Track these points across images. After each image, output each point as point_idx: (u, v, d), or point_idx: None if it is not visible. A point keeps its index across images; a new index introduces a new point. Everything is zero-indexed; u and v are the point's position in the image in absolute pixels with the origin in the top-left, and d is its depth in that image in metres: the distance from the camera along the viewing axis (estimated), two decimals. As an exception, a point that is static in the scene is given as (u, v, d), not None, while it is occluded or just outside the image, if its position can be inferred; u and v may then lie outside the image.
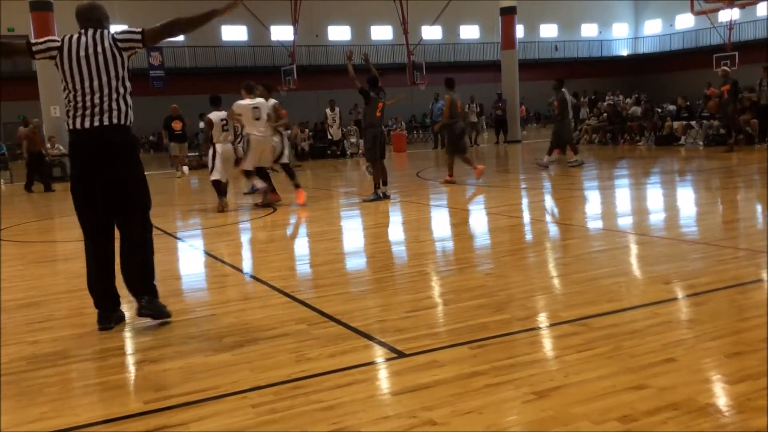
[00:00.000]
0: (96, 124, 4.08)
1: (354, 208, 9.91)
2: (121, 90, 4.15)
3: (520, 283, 4.85)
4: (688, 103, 16.89)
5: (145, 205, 4.34)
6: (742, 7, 27.19)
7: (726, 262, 5.12)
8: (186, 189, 15.03)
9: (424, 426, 2.65)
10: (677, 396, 2.76)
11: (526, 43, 40.82)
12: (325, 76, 37.41)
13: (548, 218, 8.30)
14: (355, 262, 6.21)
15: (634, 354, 3.26)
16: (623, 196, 10.03)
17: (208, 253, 6.78)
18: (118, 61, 4.14)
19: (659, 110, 18.91)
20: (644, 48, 48.39)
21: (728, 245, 5.71)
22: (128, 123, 4.19)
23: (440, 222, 8.49)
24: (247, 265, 6.29)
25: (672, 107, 20.88)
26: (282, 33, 32.79)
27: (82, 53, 4.10)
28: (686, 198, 9.51)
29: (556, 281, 4.96)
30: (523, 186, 11.70)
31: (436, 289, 4.93)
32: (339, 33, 41.33)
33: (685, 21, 43.12)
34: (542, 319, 3.99)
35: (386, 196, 10.19)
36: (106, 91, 4.10)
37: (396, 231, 7.93)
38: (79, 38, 4.15)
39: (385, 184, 10.43)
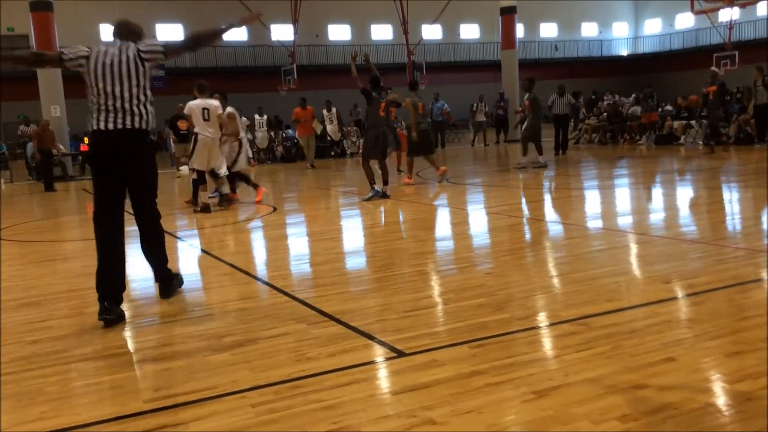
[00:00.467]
0: (119, 126, 4.43)
1: (354, 208, 9.90)
2: (142, 98, 4.50)
3: (519, 283, 4.85)
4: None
5: (152, 203, 4.75)
6: (742, 6, 27.17)
7: (725, 261, 5.12)
8: (186, 188, 15.01)
9: (423, 425, 2.65)
10: (677, 396, 2.76)
11: (526, 42, 40.82)
12: (326, 75, 37.42)
13: (548, 218, 8.30)
14: (355, 262, 6.21)
15: (633, 353, 3.26)
16: (623, 195, 10.02)
17: (207, 253, 6.78)
18: (141, 70, 4.50)
19: (659, 109, 18.92)
20: (644, 48, 48.39)
21: (728, 244, 5.71)
22: (147, 127, 4.53)
23: (440, 221, 8.49)
24: (246, 264, 6.29)
25: (669, 108, 20.90)
26: (282, 32, 32.78)
27: (108, 61, 4.47)
28: (686, 197, 9.51)
29: (555, 280, 4.96)
30: (523, 185, 11.70)
31: (436, 289, 4.93)
32: (339, 32, 41.33)
33: (685, 20, 43.12)
34: (542, 319, 3.99)
35: (386, 195, 10.19)
36: (127, 96, 4.44)
37: (396, 230, 7.93)
38: (108, 49, 4.55)
39: (386, 183, 10.43)
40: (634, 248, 6.00)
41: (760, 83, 15.65)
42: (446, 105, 22.57)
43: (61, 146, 17.74)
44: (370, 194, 10.20)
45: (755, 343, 3.28)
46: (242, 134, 10.76)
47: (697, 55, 39.90)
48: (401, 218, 8.81)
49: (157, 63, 4.61)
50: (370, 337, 3.74)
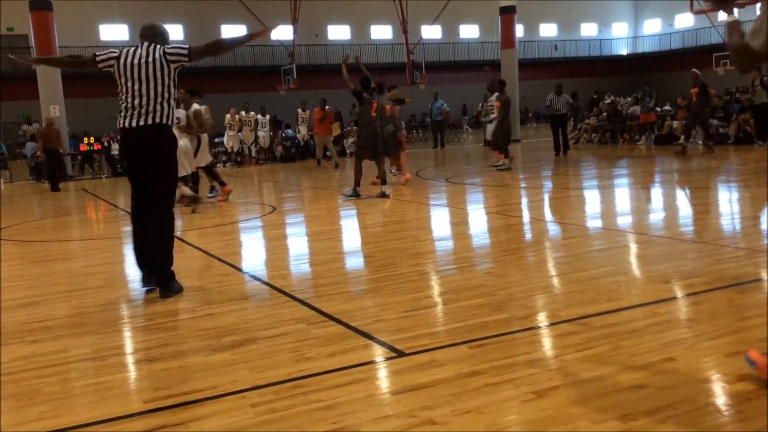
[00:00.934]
0: (141, 123, 4.82)
1: (353, 208, 9.90)
2: (166, 95, 4.88)
3: (519, 283, 4.85)
4: (687, 102, 16.87)
5: (171, 192, 5.14)
6: (741, 6, 27.11)
7: (725, 261, 5.12)
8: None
9: (423, 425, 2.64)
10: (677, 395, 2.76)
11: (526, 42, 40.81)
12: (325, 75, 37.34)
13: (547, 217, 8.30)
14: (355, 262, 6.21)
15: (633, 353, 3.26)
16: (622, 195, 10.03)
17: (207, 253, 6.78)
18: (165, 71, 4.87)
19: (658, 109, 18.90)
20: (644, 47, 48.38)
21: (727, 244, 5.71)
22: (166, 121, 4.90)
23: (439, 221, 8.49)
24: (246, 264, 6.29)
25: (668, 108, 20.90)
26: (282, 32, 32.77)
27: (135, 61, 4.86)
28: (685, 197, 9.51)
29: (555, 280, 4.96)
30: (523, 185, 11.70)
31: (436, 289, 4.93)
32: (339, 32, 41.32)
33: (685, 20, 43.09)
34: (542, 319, 3.99)
35: (385, 195, 10.21)
36: (152, 95, 4.83)
37: (395, 230, 7.93)
38: (135, 50, 4.92)
39: (384, 183, 10.46)
40: (633, 248, 6.00)
41: (758, 83, 15.64)
42: (445, 105, 22.57)
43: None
44: (350, 193, 10.39)
45: (755, 343, 3.27)
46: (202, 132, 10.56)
47: (697, 54, 39.82)
48: (400, 218, 8.81)
49: (181, 64, 4.95)
50: (370, 337, 3.74)
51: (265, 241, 7.83)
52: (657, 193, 9.95)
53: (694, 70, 15.61)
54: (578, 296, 4.35)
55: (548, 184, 11.63)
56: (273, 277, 5.56)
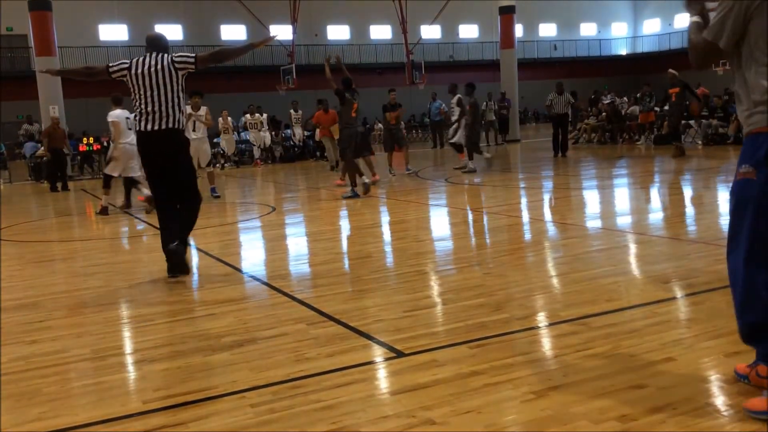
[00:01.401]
0: (156, 128, 5.27)
1: (352, 208, 9.90)
2: (176, 100, 5.32)
3: (519, 283, 4.85)
4: (688, 102, 16.81)
5: (194, 184, 5.59)
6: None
7: (725, 261, 5.10)
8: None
9: (423, 425, 2.64)
10: (676, 395, 2.76)
11: (525, 42, 40.81)
12: (325, 75, 37.35)
13: (547, 217, 8.30)
14: (354, 262, 6.20)
15: (633, 353, 3.26)
16: (622, 195, 10.03)
17: (206, 253, 6.77)
18: (174, 78, 5.31)
19: (657, 109, 18.86)
20: (643, 47, 48.36)
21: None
22: (180, 127, 5.38)
23: (439, 221, 8.49)
24: (245, 264, 6.29)
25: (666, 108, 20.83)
26: (281, 32, 32.73)
27: (146, 70, 5.29)
28: (685, 197, 9.51)
29: (555, 280, 4.96)
30: (523, 185, 11.71)
31: (435, 289, 4.93)
32: (338, 32, 41.28)
33: (684, 20, 42.57)
34: (541, 319, 3.99)
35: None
36: (163, 100, 5.26)
37: (394, 230, 7.93)
38: (144, 59, 5.35)
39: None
40: (633, 248, 6.00)
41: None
42: (444, 104, 22.51)
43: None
44: (349, 194, 10.48)
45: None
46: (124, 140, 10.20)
47: (696, 54, 39.83)
48: (400, 218, 8.81)
49: (188, 71, 5.36)
50: (369, 338, 3.74)
51: (264, 241, 7.83)
52: (656, 193, 9.94)
53: (671, 70, 15.42)
54: (578, 296, 4.35)
55: (548, 184, 11.63)
56: (272, 278, 5.56)
